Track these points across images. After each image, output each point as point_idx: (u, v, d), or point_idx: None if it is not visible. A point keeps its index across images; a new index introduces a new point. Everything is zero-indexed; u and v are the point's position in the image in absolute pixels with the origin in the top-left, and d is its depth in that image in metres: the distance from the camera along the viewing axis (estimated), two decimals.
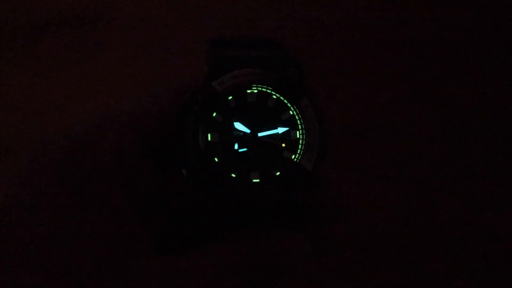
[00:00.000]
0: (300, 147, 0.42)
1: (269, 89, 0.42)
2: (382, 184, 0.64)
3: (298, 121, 0.43)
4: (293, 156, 0.42)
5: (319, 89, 0.66)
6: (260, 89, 0.42)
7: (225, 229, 0.40)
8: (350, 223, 0.58)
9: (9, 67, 0.64)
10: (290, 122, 0.43)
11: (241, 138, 0.41)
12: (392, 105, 0.69)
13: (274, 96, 0.43)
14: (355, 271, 0.58)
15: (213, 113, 0.41)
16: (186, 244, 0.38)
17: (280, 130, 0.42)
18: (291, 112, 0.43)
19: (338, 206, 0.41)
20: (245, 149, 0.41)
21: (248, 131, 0.41)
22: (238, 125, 0.41)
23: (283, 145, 0.41)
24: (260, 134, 0.41)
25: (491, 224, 0.62)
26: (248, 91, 0.42)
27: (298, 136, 0.42)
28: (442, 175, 0.66)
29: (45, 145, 0.38)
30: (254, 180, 0.40)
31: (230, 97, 0.42)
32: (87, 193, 0.35)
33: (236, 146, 0.41)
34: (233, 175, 0.40)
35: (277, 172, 0.41)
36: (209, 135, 0.41)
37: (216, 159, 0.40)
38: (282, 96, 0.42)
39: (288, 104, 0.43)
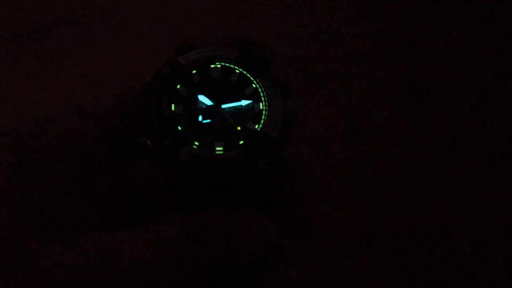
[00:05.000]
0: (263, 117, 0.43)
1: (232, 64, 0.44)
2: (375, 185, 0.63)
3: (261, 93, 0.44)
4: (256, 126, 0.43)
5: (315, 91, 0.67)
6: (223, 64, 0.44)
7: (188, 203, 0.40)
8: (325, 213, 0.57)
9: None
10: (253, 95, 0.44)
11: (205, 110, 0.42)
12: (381, 109, 0.69)
13: (238, 71, 0.44)
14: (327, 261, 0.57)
15: (177, 85, 0.43)
16: (135, 220, 0.37)
17: (244, 102, 0.43)
18: (254, 86, 0.44)
19: (308, 190, 0.41)
20: (208, 121, 0.42)
21: (210, 103, 0.42)
22: (202, 98, 0.42)
23: (239, 128, 0.42)
24: (224, 106, 0.43)
25: (482, 224, 0.62)
26: (212, 66, 0.44)
27: (261, 107, 0.43)
28: (429, 178, 0.65)
29: None
30: (217, 149, 0.41)
31: (194, 71, 0.43)
32: (37, 174, 0.35)
33: (200, 118, 0.42)
34: (196, 143, 0.41)
35: (240, 141, 0.42)
36: (172, 105, 0.42)
37: (179, 128, 0.41)
38: (245, 71, 0.44)
39: (251, 78, 0.44)
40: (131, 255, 0.32)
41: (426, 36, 0.75)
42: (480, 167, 0.66)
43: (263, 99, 0.43)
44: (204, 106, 0.42)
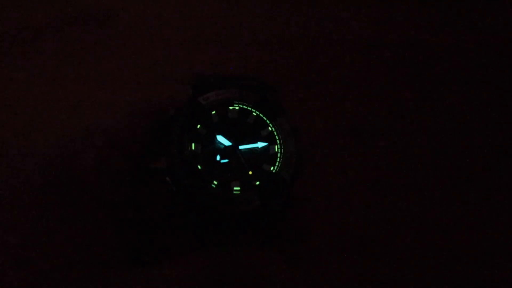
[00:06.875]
0: (278, 160, 0.45)
1: (250, 107, 0.46)
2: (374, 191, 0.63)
3: (277, 136, 0.46)
4: (272, 168, 0.45)
5: (318, 93, 0.64)
6: (241, 106, 0.46)
7: (202, 239, 0.43)
8: (325, 235, 0.55)
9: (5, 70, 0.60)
10: (269, 138, 0.46)
11: (223, 150, 0.44)
12: (383, 109, 0.68)
13: (254, 113, 0.46)
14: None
15: (197, 125, 0.45)
16: (159, 256, 0.39)
17: (260, 144, 0.45)
18: (270, 129, 0.46)
19: (312, 221, 0.43)
20: (226, 160, 0.44)
21: (229, 143, 0.44)
22: (221, 138, 0.44)
23: (250, 172, 0.45)
24: (241, 147, 0.44)
25: (484, 224, 0.64)
26: (230, 107, 0.46)
27: (276, 150, 0.46)
28: (433, 182, 0.65)
29: (28, 155, 0.40)
30: (235, 188, 0.43)
31: (213, 112, 0.46)
32: (67, 204, 0.37)
33: (218, 157, 0.44)
34: (215, 183, 0.43)
35: (256, 182, 0.44)
36: (193, 144, 0.44)
37: (199, 167, 0.43)
38: (262, 114, 0.46)
39: (267, 121, 0.46)
40: None
41: (428, 35, 0.73)
42: (483, 167, 0.66)
43: (278, 141, 0.46)
44: (222, 146, 0.44)
